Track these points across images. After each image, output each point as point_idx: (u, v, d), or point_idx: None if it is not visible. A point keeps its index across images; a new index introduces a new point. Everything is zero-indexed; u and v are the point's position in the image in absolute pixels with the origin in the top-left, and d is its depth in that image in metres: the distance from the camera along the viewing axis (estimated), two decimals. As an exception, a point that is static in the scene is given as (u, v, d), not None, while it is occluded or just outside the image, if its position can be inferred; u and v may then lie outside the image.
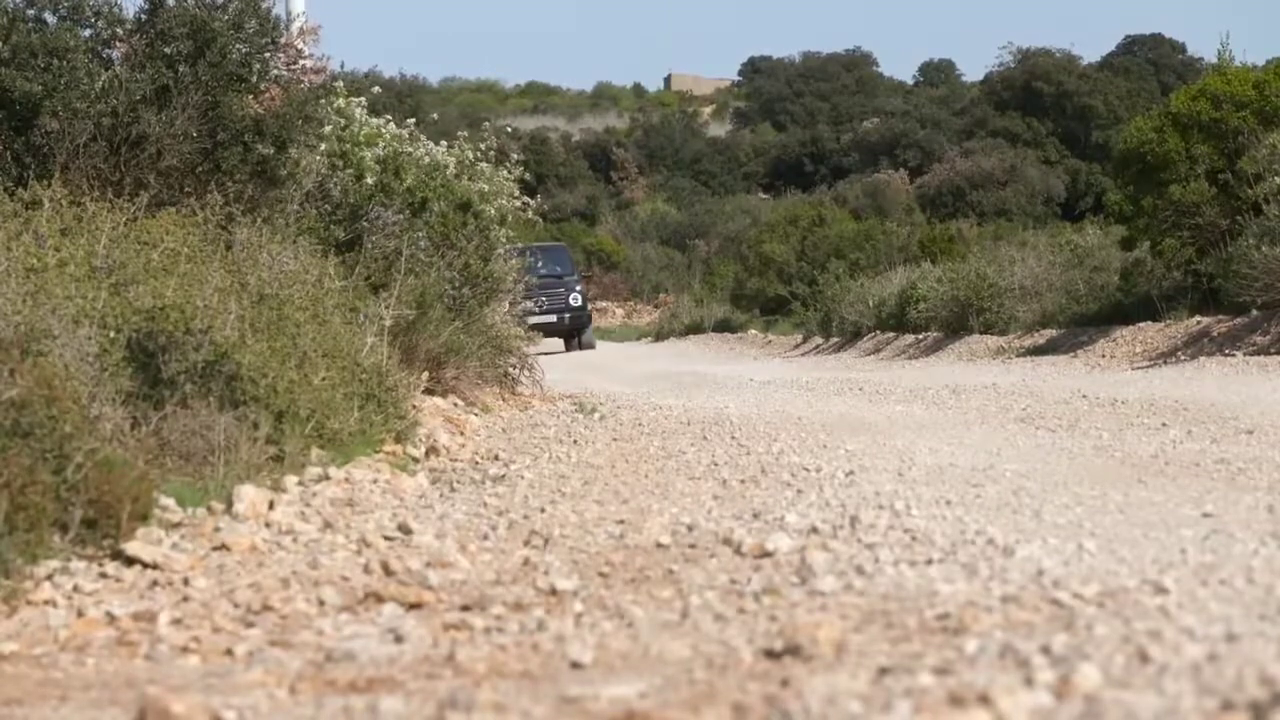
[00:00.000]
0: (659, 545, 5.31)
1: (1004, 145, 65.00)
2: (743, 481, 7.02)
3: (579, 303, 33.19)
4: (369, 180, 12.02)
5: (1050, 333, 22.02)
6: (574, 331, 33.17)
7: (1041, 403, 11.14)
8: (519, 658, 3.83)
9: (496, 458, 8.66)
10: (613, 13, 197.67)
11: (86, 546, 5.15)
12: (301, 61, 11.07)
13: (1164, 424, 8.93)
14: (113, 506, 5.18)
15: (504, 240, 13.95)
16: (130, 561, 5.09)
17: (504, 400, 13.21)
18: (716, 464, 7.85)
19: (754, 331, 38.56)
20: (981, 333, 24.05)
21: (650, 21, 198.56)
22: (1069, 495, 6.00)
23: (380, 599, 4.56)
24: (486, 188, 13.89)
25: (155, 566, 5.06)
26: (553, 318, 31.30)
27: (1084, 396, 11.52)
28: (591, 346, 33.41)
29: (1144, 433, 8.50)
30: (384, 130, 12.94)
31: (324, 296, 8.90)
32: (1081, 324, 21.55)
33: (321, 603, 4.56)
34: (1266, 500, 5.62)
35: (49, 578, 4.83)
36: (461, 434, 9.91)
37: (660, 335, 42.47)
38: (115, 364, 6.36)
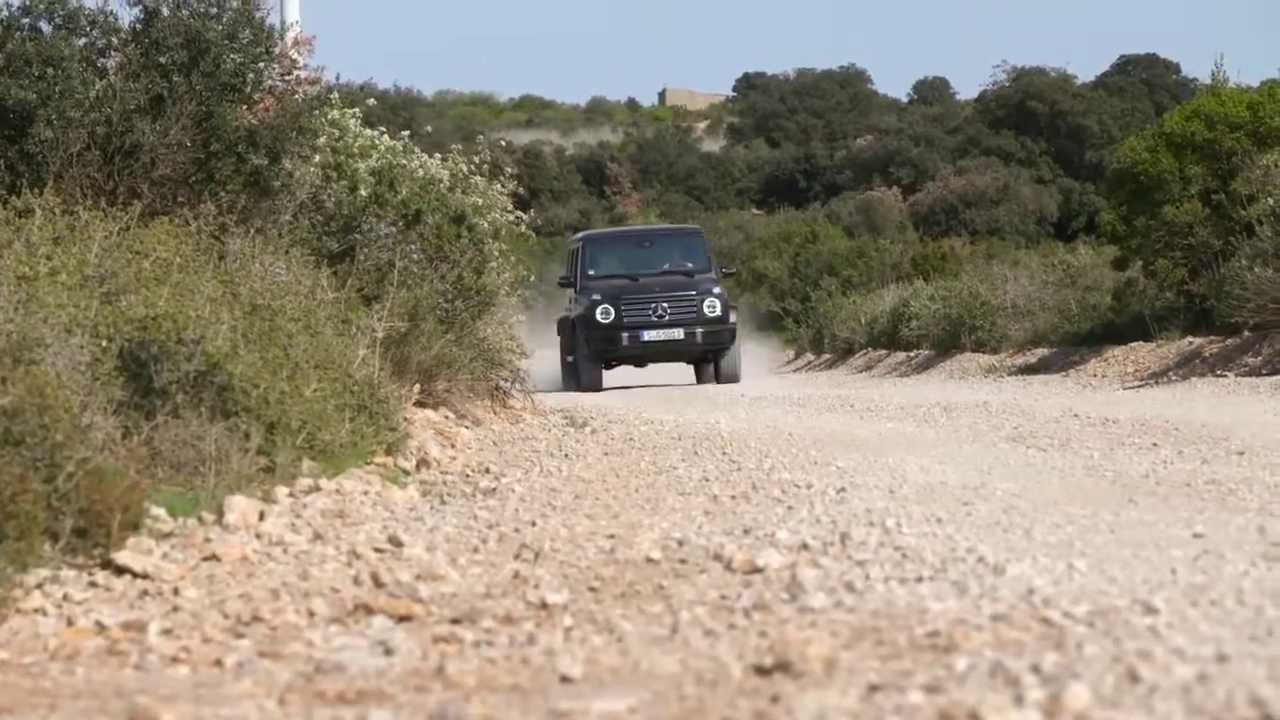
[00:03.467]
0: (649, 560, 5.31)
1: (997, 164, 65.17)
2: (734, 497, 7.01)
3: (717, 312, 22.07)
4: (363, 192, 12.03)
5: (1042, 351, 22.06)
6: (708, 355, 22.56)
7: (1033, 421, 11.14)
8: (509, 671, 3.82)
9: (487, 471, 8.65)
10: (608, 27, 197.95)
11: (77, 555, 5.14)
12: (296, 72, 11.07)
13: (1155, 444, 8.94)
14: (103, 516, 5.17)
15: (497, 254, 13.94)
16: (120, 571, 5.08)
17: (495, 413, 13.21)
18: (707, 479, 7.84)
19: (746, 347, 38.59)
20: (973, 351, 24.11)
21: (645, 37, 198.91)
22: (1060, 514, 6.00)
23: (370, 611, 4.55)
24: (480, 201, 13.89)
25: (145, 576, 5.05)
26: (677, 333, 21.99)
27: (1075, 415, 11.53)
28: (735, 379, 22.47)
29: (1135, 452, 8.51)
30: (378, 142, 12.95)
31: (316, 308, 8.90)
32: (1073, 343, 21.59)
33: (311, 614, 4.55)
34: (1257, 521, 5.62)
35: (39, 586, 4.82)
36: (452, 446, 9.90)
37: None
38: (107, 373, 6.35)
